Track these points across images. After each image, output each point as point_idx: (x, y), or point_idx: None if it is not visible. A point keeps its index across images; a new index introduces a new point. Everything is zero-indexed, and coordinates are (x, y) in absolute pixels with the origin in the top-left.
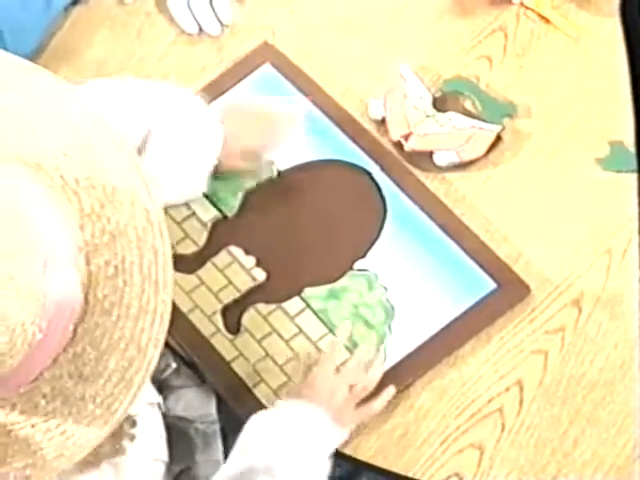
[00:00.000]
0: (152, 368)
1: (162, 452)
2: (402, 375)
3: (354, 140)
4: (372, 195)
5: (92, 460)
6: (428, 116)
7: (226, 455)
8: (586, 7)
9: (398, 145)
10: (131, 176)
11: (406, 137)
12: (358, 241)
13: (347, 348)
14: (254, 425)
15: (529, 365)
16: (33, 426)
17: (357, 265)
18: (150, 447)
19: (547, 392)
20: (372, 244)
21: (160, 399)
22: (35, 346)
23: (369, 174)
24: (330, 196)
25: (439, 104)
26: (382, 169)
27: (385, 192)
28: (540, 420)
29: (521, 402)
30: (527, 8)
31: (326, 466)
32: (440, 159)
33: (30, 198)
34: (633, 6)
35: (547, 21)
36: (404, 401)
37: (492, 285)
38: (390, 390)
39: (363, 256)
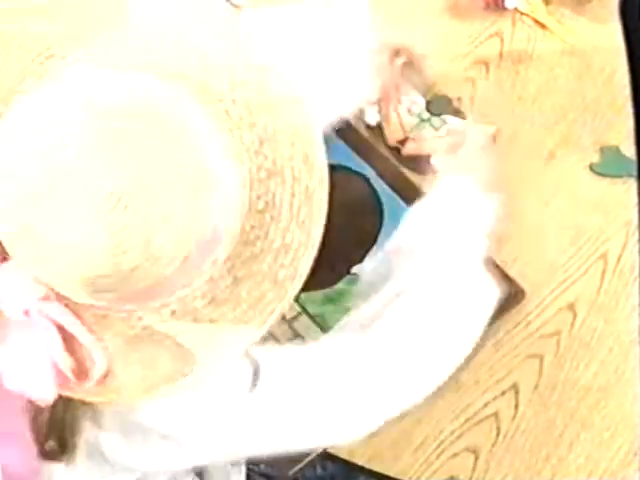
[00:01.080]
0: (288, 301)
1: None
2: None
3: (350, 145)
4: (369, 200)
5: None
6: (423, 120)
7: None
8: (582, 13)
9: (395, 150)
10: (296, 118)
11: (402, 142)
12: (354, 246)
13: None
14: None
15: (524, 369)
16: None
17: (353, 270)
18: None
19: (542, 396)
20: (369, 249)
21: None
22: (180, 265)
23: (366, 179)
24: (327, 201)
25: (433, 107)
26: (378, 174)
27: (381, 197)
28: (535, 424)
29: (516, 406)
30: (523, 14)
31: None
32: (437, 162)
33: (199, 126)
34: (633, 6)
35: (543, 26)
36: None
37: None
38: None
39: (360, 261)
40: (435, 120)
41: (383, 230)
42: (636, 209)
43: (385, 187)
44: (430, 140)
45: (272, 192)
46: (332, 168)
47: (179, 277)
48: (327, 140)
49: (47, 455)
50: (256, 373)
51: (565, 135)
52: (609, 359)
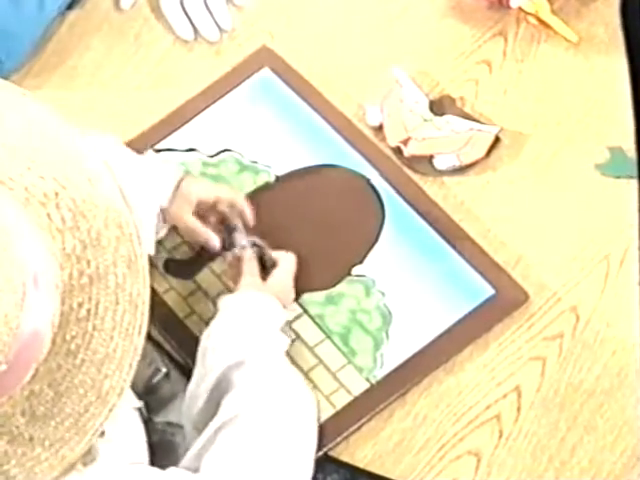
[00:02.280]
0: (110, 415)
1: (141, 456)
2: (399, 381)
3: (352, 145)
4: (370, 200)
5: (62, 466)
6: (425, 120)
7: None
8: (586, 12)
9: (397, 150)
10: (119, 221)
11: (405, 142)
12: (356, 247)
13: (344, 354)
14: (212, 331)
15: (527, 372)
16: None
17: (355, 271)
18: (127, 451)
19: (545, 399)
20: (370, 250)
21: (141, 404)
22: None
23: (367, 179)
24: (328, 201)
25: (436, 107)
26: (380, 174)
27: (383, 197)
28: (538, 427)
29: (519, 409)
30: (527, 13)
31: (285, 341)
32: (440, 163)
33: (17, 229)
34: (633, 6)
35: (547, 26)
36: (401, 408)
37: (490, 291)
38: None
39: (361, 262)
40: (438, 120)
41: (384, 230)
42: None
43: (387, 187)
44: (432, 140)
45: (95, 299)
46: (333, 168)
47: None
48: (328, 140)
49: None
50: None
51: (569, 136)
52: (612, 362)
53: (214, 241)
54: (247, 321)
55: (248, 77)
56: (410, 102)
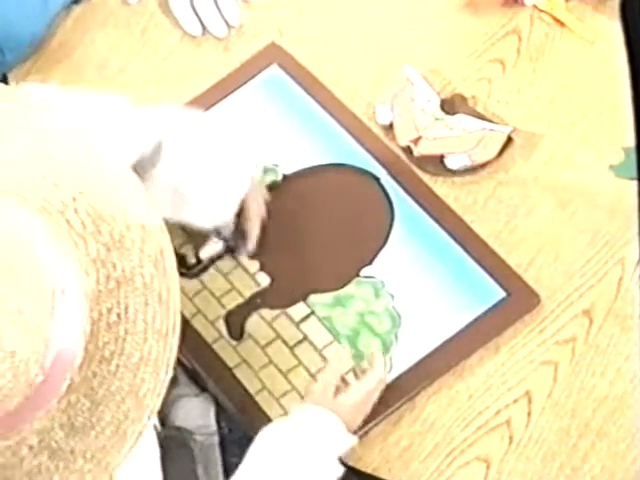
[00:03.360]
0: (151, 420)
1: (155, 474)
2: (408, 385)
3: (362, 144)
4: (379, 201)
5: (106, 476)
6: (437, 119)
7: (225, 469)
8: (602, 10)
9: (407, 149)
10: (142, 220)
11: (415, 141)
12: (365, 247)
13: (352, 357)
14: (264, 437)
15: (538, 376)
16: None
17: (363, 272)
18: (142, 470)
19: (556, 404)
20: (379, 251)
21: (155, 419)
22: (34, 389)
23: (377, 179)
24: (336, 201)
25: (447, 106)
26: (390, 174)
27: (393, 197)
28: (549, 433)
29: (529, 414)
30: (541, 11)
31: (339, 470)
32: (452, 163)
33: (39, 239)
34: (633, 6)
35: (562, 24)
36: (409, 412)
37: (501, 294)
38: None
39: (370, 263)
40: (449, 119)
41: (394, 231)
42: None
43: (396, 187)
44: (444, 140)
45: (124, 303)
46: (342, 167)
47: (28, 409)
48: (337, 138)
49: None
50: None
51: (583, 136)
52: (626, 367)
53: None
54: (309, 441)
55: (256, 74)
56: (421, 101)
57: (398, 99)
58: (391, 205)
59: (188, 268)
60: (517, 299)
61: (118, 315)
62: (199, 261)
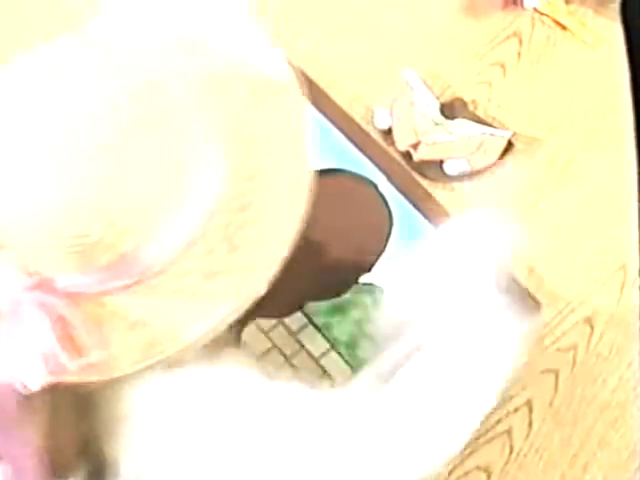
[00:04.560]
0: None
1: None
2: None
3: (360, 149)
4: (378, 207)
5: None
6: (436, 124)
7: None
8: (603, 13)
9: (406, 154)
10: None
11: (414, 146)
12: (363, 254)
13: (349, 365)
14: None
15: (539, 385)
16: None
17: (362, 279)
18: None
19: (557, 413)
20: (378, 258)
21: None
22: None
23: (375, 185)
24: (334, 207)
25: (447, 110)
26: (388, 179)
27: (391, 203)
28: (550, 442)
29: (530, 423)
30: (542, 14)
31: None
32: (451, 168)
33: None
34: (633, 6)
35: (563, 27)
36: None
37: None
38: None
39: (368, 270)
40: (449, 124)
41: (392, 238)
42: None
43: (395, 193)
44: (443, 145)
45: (256, 163)
46: (340, 173)
47: (148, 254)
48: (334, 143)
49: None
50: None
51: (585, 141)
52: (628, 375)
53: None
54: None
55: None
56: (421, 105)
57: (397, 103)
58: (390, 211)
59: None
60: (517, 306)
61: (251, 175)
62: None
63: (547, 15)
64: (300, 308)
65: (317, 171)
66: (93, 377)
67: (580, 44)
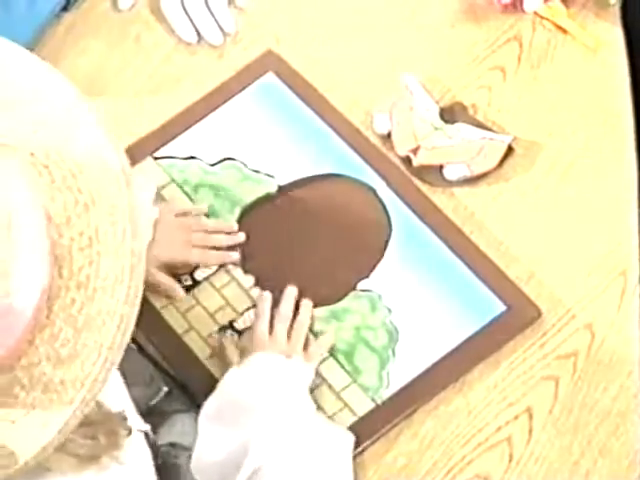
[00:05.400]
0: (125, 343)
1: None
2: (406, 401)
3: (359, 154)
4: (377, 212)
5: (90, 455)
6: (436, 128)
7: None
8: (604, 17)
9: (406, 160)
10: (101, 144)
11: (414, 151)
12: (361, 260)
13: (348, 373)
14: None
15: (539, 392)
16: (13, 422)
17: (360, 285)
18: (139, 476)
19: (558, 421)
20: (376, 263)
21: (148, 427)
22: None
23: (374, 190)
24: (333, 213)
25: (447, 115)
26: (388, 185)
27: (390, 209)
28: (550, 450)
29: (530, 431)
30: (542, 17)
31: (311, 406)
32: (450, 173)
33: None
34: (633, 6)
35: (564, 31)
36: (407, 429)
37: (501, 307)
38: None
39: (367, 276)
40: (449, 128)
41: (391, 243)
42: None
43: (394, 198)
44: (443, 149)
45: (94, 225)
46: (339, 178)
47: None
48: (333, 148)
49: None
50: None
51: (586, 145)
52: (629, 382)
53: (179, 291)
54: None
55: (252, 82)
56: (420, 110)
57: (397, 108)
58: (389, 217)
59: (186, 289)
60: (517, 312)
61: (90, 238)
62: (195, 282)
63: (547, 19)
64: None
65: (316, 176)
66: None
67: (581, 48)
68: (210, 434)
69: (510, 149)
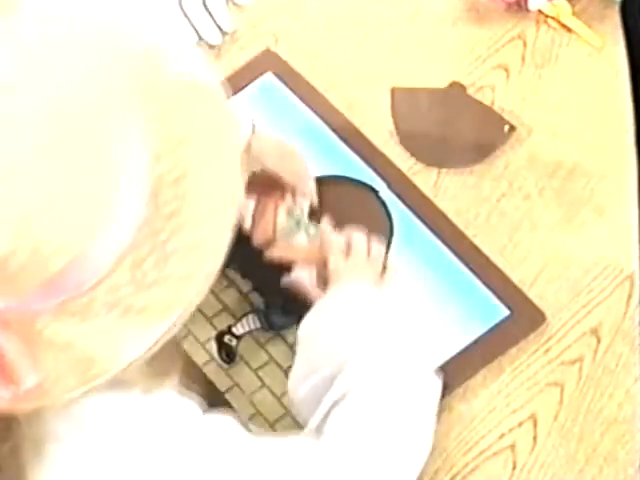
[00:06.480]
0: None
1: None
2: None
3: (360, 155)
4: (378, 214)
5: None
6: (298, 225)
7: None
8: (609, 15)
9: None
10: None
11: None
12: None
13: None
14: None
15: (544, 398)
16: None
17: None
18: None
19: (562, 428)
20: None
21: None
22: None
23: (375, 191)
24: (334, 215)
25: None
26: (389, 186)
27: (392, 211)
28: (555, 458)
29: (535, 438)
30: (547, 16)
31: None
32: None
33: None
34: (633, 6)
35: (569, 30)
36: None
37: (505, 312)
38: None
39: None
40: (313, 228)
41: (393, 246)
42: None
43: (396, 200)
44: (296, 249)
45: (184, 164)
46: (340, 180)
47: (77, 272)
48: (333, 149)
49: None
50: None
51: (590, 146)
52: (635, 388)
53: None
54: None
55: (250, 82)
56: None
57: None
58: (390, 219)
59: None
60: (521, 317)
61: (179, 176)
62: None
63: (552, 17)
64: (298, 321)
65: (318, 178)
66: (26, 405)
67: (586, 47)
68: (307, 353)
69: (513, 149)
